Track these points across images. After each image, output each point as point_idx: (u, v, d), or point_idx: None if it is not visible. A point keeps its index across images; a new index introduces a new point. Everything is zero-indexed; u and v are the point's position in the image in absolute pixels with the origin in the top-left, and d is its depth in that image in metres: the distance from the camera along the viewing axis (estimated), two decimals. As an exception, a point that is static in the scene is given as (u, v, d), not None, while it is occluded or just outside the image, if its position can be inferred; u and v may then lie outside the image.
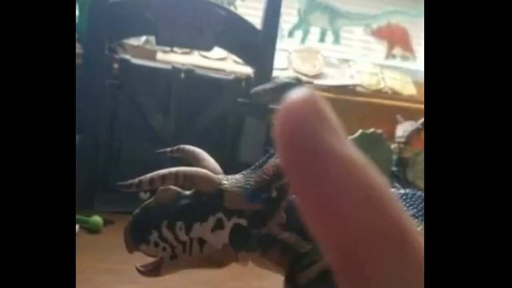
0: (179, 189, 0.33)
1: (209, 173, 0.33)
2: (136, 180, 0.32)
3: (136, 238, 0.32)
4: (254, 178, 0.33)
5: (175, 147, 0.36)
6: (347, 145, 0.13)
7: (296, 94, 0.13)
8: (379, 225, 0.12)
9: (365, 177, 0.13)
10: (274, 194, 0.32)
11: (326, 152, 0.13)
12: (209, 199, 0.32)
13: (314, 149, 0.13)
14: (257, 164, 0.34)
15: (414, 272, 0.12)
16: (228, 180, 0.33)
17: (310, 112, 0.13)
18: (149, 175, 0.32)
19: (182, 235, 0.32)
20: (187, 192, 0.33)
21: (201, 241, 0.32)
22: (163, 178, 0.32)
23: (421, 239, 0.13)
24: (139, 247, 0.32)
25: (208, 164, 0.34)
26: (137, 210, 0.33)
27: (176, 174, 0.32)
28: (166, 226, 0.32)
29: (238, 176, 0.33)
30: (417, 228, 0.33)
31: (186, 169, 0.32)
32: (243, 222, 0.32)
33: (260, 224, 0.33)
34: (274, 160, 0.33)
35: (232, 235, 0.32)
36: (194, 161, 0.34)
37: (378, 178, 0.13)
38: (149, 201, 0.33)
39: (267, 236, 0.33)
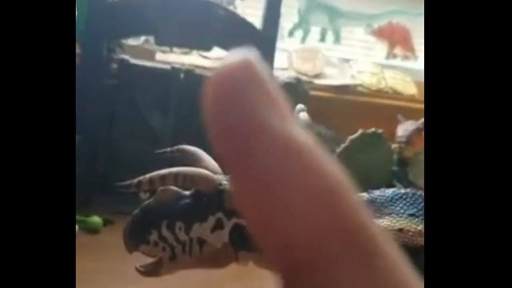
0: (179, 189, 0.33)
1: (209, 173, 0.33)
2: (135, 180, 0.32)
3: (135, 238, 0.32)
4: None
5: (175, 147, 0.35)
6: (290, 122, 0.10)
7: (230, 57, 0.11)
8: (330, 222, 0.10)
9: (312, 162, 0.10)
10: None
11: (263, 131, 0.10)
12: (209, 199, 0.32)
13: (248, 126, 0.10)
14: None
15: (371, 275, 0.10)
16: (227, 180, 0.33)
17: (245, 79, 0.11)
18: (148, 175, 0.32)
19: (181, 235, 0.32)
20: (187, 192, 0.33)
21: (201, 241, 0.32)
22: (163, 178, 0.32)
23: (383, 238, 0.10)
24: (139, 248, 0.32)
25: (208, 164, 0.34)
26: (137, 210, 0.32)
27: (176, 174, 0.32)
28: (166, 226, 0.32)
29: (237, 176, 0.33)
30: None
31: (186, 169, 0.32)
32: (243, 222, 0.32)
33: (260, 224, 0.32)
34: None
35: (232, 235, 0.32)
36: (194, 161, 0.34)
37: (330, 164, 0.10)
38: (148, 201, 0.33)
39: (267, 236, 0.33)
